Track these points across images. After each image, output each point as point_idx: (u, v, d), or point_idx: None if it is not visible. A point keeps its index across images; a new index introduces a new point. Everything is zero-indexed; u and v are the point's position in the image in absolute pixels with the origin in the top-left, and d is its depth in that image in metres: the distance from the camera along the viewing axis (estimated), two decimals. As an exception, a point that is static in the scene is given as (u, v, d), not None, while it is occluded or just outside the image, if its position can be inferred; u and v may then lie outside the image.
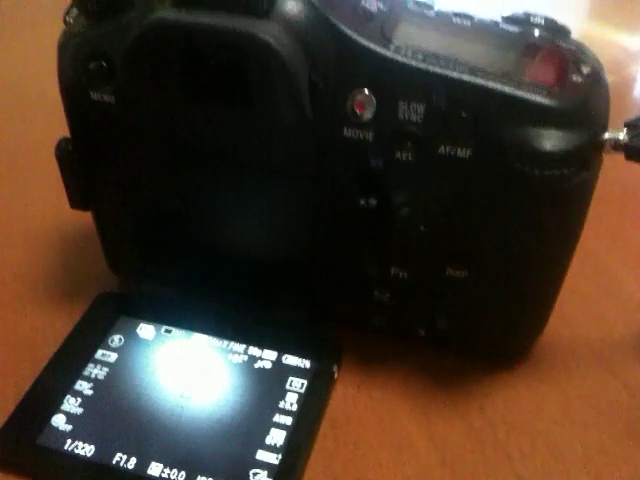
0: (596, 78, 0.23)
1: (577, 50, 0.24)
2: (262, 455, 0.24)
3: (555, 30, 0.25)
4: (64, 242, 0.34)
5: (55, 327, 0.29)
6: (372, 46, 0.22)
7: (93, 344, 0.28)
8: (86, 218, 0.30)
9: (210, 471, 0.24)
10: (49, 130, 0.40)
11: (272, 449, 0.25)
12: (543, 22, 0.25)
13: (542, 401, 0.27)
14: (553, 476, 0.25)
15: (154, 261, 0.29)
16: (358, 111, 0.22)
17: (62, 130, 0.28)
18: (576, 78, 0.22)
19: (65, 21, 0.26)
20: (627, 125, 0.22)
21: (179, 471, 0.24)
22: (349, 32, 0.22)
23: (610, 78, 0.24)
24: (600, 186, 0.24)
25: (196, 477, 0.24)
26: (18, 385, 0.27)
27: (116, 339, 0.28)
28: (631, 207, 0.35)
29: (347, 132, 0.23)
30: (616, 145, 0.22)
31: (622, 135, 0.22)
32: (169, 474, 0.24)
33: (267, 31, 0.20)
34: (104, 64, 0.24)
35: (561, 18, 0.27)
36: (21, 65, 0.49)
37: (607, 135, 0.22)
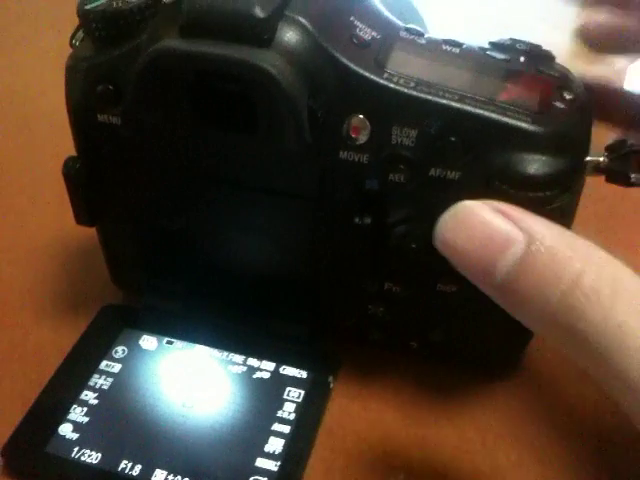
0: (579, 104, 0.24)
1: (561, 76, 0.25)
2: (262, 462, 0.25)
3: (540, 56, 0.26)
4: (68, 255, 0.35)
5: (60, 339, 0.30)
6: (367, 74, 0.23)
7: (98, 355, 0.29)
8: (89, 232, 0.31)
9: (212, 477, 0.25)
10: (52, 144, 0.42)
11: (271, 457, 0.26)
12: (528, 48, 0.26)
13: (530, 411, 0.28)
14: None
15: (157, 276, 0.30)
16: (353, 135, 0.23)
17: (65, 144, 0.28)
18: (559, 104, 0.23)
19: (71, 44, 0.28)
20: (607, 149, 0.23)
21: (182, 478, 0.25)
22: (345, 60, 0.23)
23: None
24: (582, 207, 0.25)
25: (199, 483, 0.25)
26: (25, 395, 0.28)
27: (120, 350, 0.29)
28: (613, 226, 0.36)
29: (343, 155, 0.24)
30: (597, 168, 0.23)
31: (602, 158, 0.23)
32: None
33: (268, 60, 0.22)
34: (111, 88, 0.25)
35: (548, 35, 0.28)
36: (22, 79, 0.50)
37: (588, 158, 0.23)
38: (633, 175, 0.23)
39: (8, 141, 0.44)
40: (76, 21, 0.27)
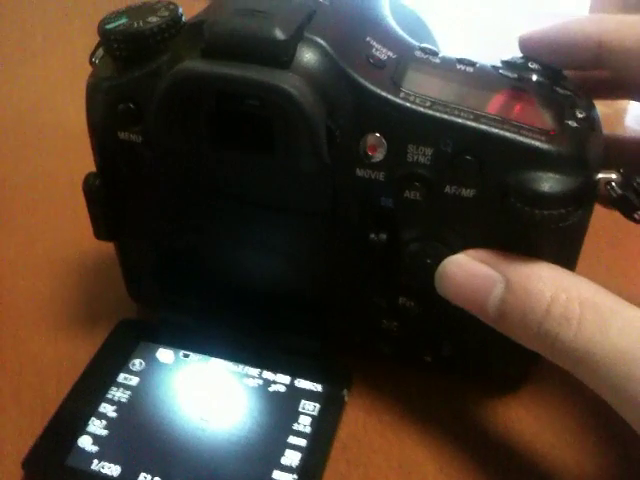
0: (591, 122, 0.24)
1: (573, 94, 0.25)
2: (278, 475, 0.26)
3: (552, 75, 0.26)
4: (84, 270, 0.35)
5: (77, 352, 0.31)
6: (383, 93, 0.23)
7: (115, 368, 0.29)
8: (105, 246, 0.31)
9: (230, 490, 0.25)
10: (67, 160, 0.42)
11: (288, 469, 0.26)
12: (540, 67, 0.27)
13: (541, 423, 0.29)
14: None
15: (172, 291, 0.31)
16: (370, 153, 0.24)
17: (79, 159, 0.29)
18: (572, 122, 0.24)
19: (91, 62, 0.28)
20: (623, 174, 0.23)
21: (201, 490, 0.25)
22: (362, 80, 0.23)
23: (603, 110, 0.26)
24: (593, 220, 0.25)
25: (217, 495, 0.25)
26: (44, 408, 0.28)
27: (137, 363, 0.30)
28: (624, 240, 0.37)
29: (360, 172, 0.24)
30: (609, 187, 0.23)
31: (614, 176, 0.24)
32: (192, 493, 0.25)
33: (289, 82, 0.22)
34: (132, 106, 0.26)
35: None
36: (38, 95, 0.51)
37: (600, 175, 0.24)
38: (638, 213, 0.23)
39: (22, 155, 0.44)
40: (86, 36, 0.28)
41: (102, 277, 0.35)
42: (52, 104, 0.49)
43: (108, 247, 0.31)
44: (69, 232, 0.37)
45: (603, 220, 0.27)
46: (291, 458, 0.26)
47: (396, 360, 0.30)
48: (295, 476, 0.26)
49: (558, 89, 0.25)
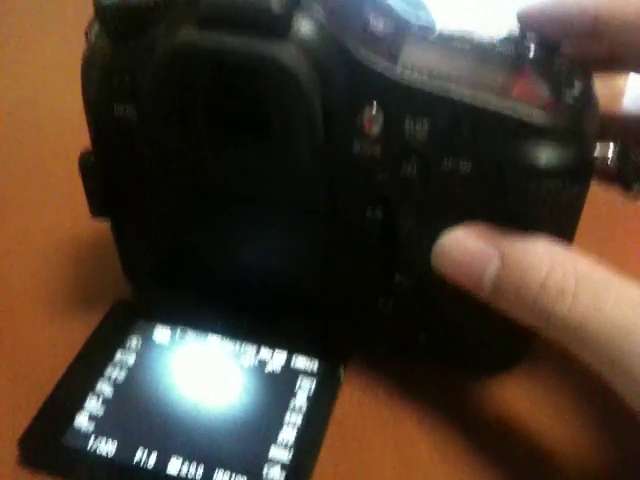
0: (587, 97, 0.24)
1: (570, 69, 0.25)
2: (275, 452, 0.26)
3: (549, 49, 0.26)
4: (80, 251, 0.35)
5: (73, 333, 0.31)
6: (380, 67, 0.23)
7: (112, 346, 0.29)
8: (101, 228, 0.31)
9: (227, 466, 0.25)
10: (63, 143, 0.42)
11: (284, 446, 0.26)
12: (537, 42, 0.26)
13: (536, 403, 0.29)
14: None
15: (171, 288, 0.31)
16: (367, 127, 0.24)
17: (76, 142, 0.29)
18: (568, 97, 0.24)
19: (86, 36, 0.28)
20: (620, 151, 0.23)
21: (197, 464, 0.25)
22: (358, 53, 0.23)
23: (600, 90, 0.26)
24: (590, 198, 0.25)
25: (214, 470, 0.25)
26: (40, 388, 0.28)
27: (134, 342, 0.30)
28: (620, 219, 0.36)
29: (356, 148, 0.24)
30: (605, 163, 0.23)
31: (611, 150, 0.24)
32: (189, 467, 0.25)
33: (283, 52, 0.22)
34: (128, 80, 0.25)
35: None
36: (32, 80, 0.51)
37: (597, 149, 0.24)
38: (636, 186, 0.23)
39: (18, 139, 0.44)
40: (79, 21, 0.28)
41: (98, 259, 0.35)
42: (52, 89, 0.49)
43: (105, 229, 0.31)
44: (65, 214, 0.37)
45: (600, 198, 0.27)
46: (287, 435, 0.26)
47: (395, 357, 0.30)
48: (291, 452, 0.26)
49: (555, 64, 0.25)
